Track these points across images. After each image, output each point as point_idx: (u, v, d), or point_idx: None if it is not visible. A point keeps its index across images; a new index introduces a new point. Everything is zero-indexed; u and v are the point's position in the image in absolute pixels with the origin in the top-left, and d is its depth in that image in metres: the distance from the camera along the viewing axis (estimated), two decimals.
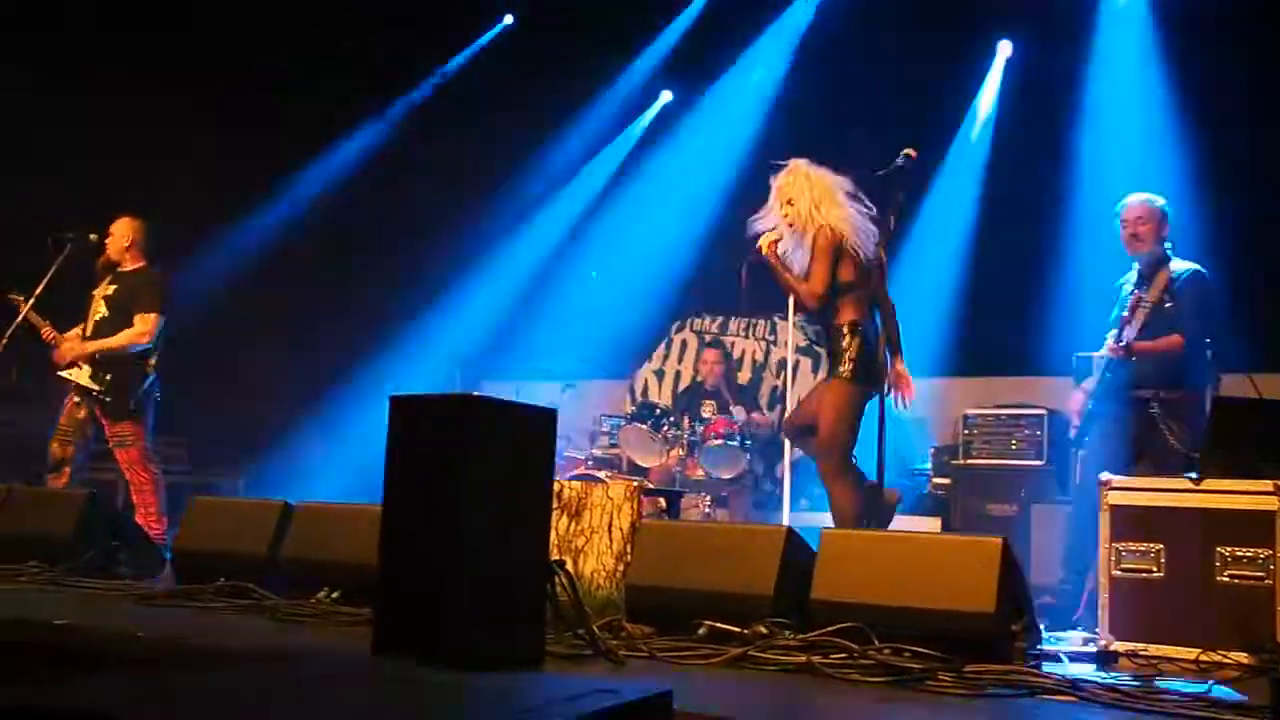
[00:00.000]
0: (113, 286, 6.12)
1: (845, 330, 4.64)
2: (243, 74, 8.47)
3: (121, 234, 6.16)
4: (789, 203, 4.73)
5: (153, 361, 6.04)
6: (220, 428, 8.52)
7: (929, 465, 6.76)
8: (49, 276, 6.06)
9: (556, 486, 3.71)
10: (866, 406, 4.54)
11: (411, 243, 9.07)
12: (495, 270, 9.01)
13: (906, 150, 4.43)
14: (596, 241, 8.62)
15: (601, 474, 6.32)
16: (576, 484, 3.97)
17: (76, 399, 5.99)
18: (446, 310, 8.90)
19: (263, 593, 3.86)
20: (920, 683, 2.81)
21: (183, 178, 8.04)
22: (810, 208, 4.69)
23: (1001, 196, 7.26)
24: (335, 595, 3.71)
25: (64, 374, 6.01)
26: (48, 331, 6.00)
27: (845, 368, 4.59)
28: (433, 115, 9.34)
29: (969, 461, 6.32)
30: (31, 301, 5.97)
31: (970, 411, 6.43)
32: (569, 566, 3.40)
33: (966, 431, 6.38)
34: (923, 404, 6.59)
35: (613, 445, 7.42)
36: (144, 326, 5.96)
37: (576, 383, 7.90)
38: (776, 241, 4.77)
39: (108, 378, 5.92)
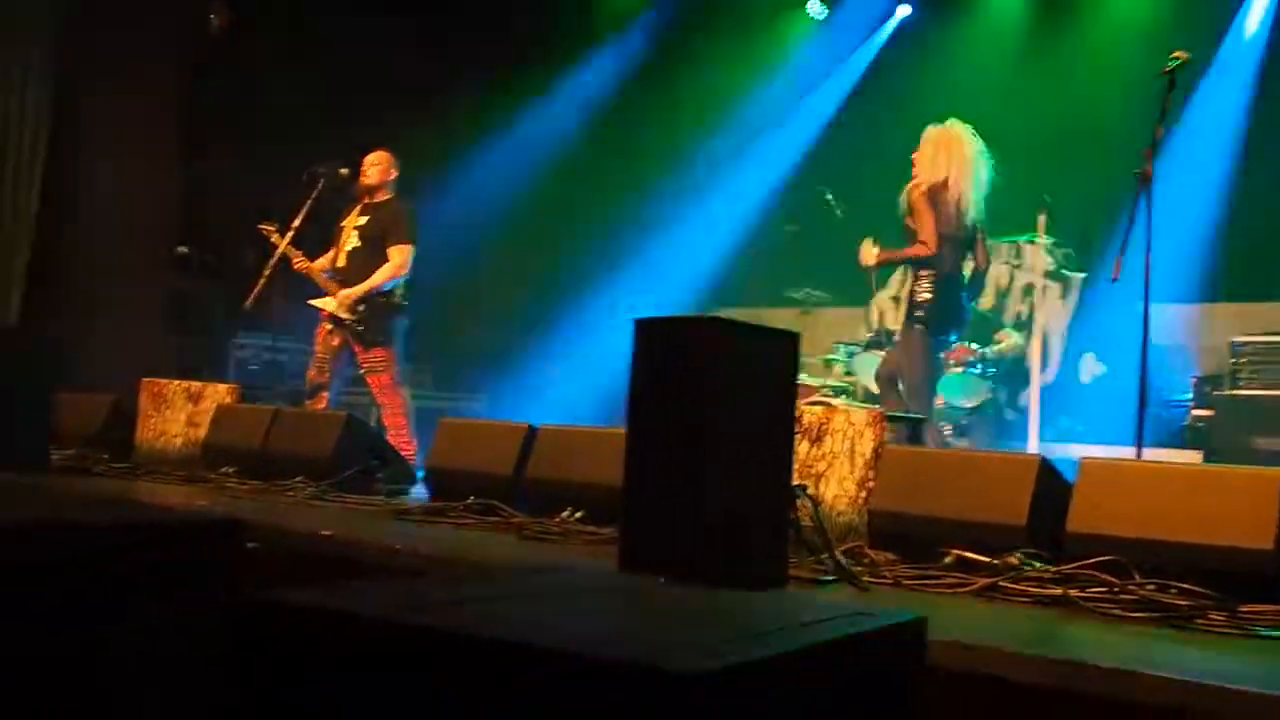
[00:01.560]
0: (364, 218, 6.35)
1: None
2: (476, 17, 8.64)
3: (375, 166, 6.38)
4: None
5: (402, 291, 6.27)
6: (461, 352, 8.81)
7: (1189, 395, 6.39)
8: (304, 210, 6.35)
9: (797, 411, 3.66)
10: None
11: (643, 172, 9.10)
12: (728, 196, 8.95)
13: (1176, 54, 4.15)
14: (832, 164, 8.43)
15: (836, 401, 6.23)
16: (817, 409, 3.91)
17: (329, 327, 6.27)
18: (679, 238, 8.90)
19: (509, 510, 3.97)
20: (1188, 621, 2.65)
21: (421, 116, 8.28)
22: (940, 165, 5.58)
23: (1277, 102, 6.72)
24: (579, 515, 3.78)
25: (316, 303, 6.30)
26: (300, 262, 6.29)
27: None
28: (661, 41, 9.31)
29: (1236, 391, 5.94)
30: (289, 235, 6.27)
31: (1238, 338, 6.03)
32: (810, 491, 3.36)
33: (1234, 359, 5.99)
34: (1182, 331, 6.22)
35: (848, 373, 7.30)
36: (400, 258, 6.19)
37: (812, 310, 7.80)
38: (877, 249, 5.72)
39: (360, 308, 6.17)
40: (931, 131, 5.68)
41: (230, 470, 4.93)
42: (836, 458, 3.72)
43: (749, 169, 8.99)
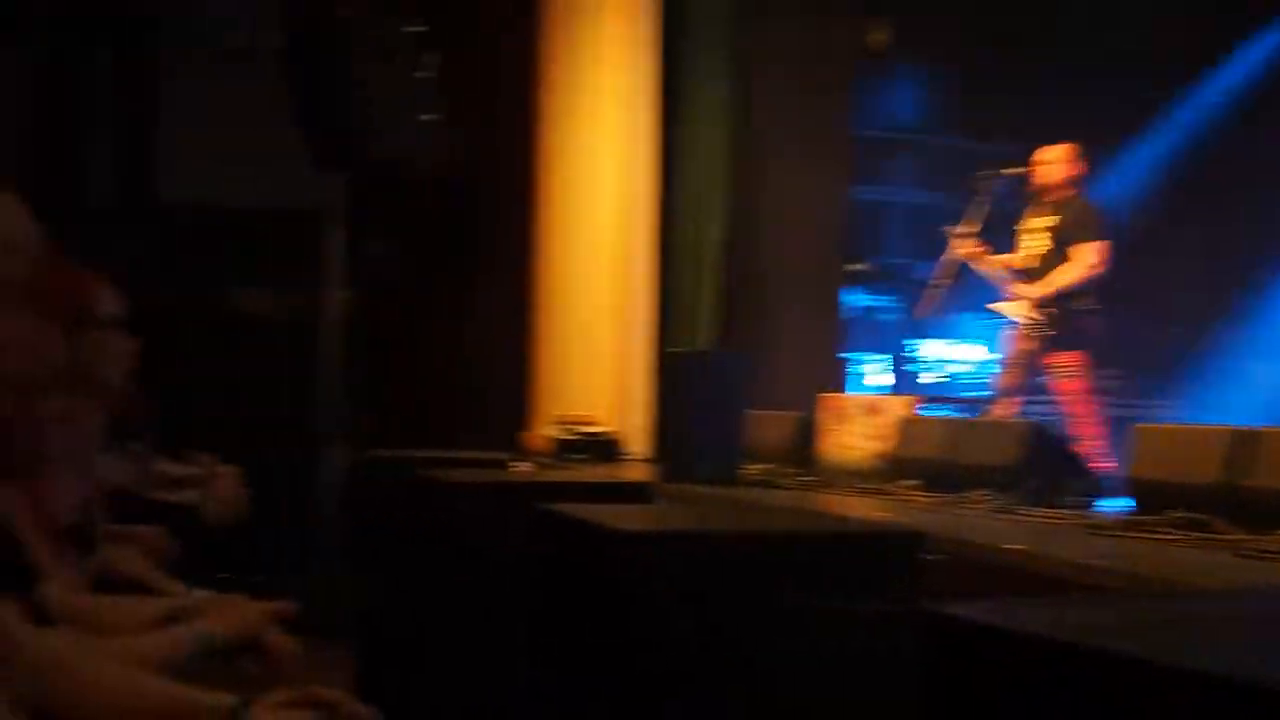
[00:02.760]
0: (1048, 217, 6.08)
1: None
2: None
3: (1053, 163, 6.11)
4: None
5: (1093, 291, 5.93)
6: (1153, 353, 8.25)
7: None
8: (978, 213, 6.22)
9: None
10: None
11: None
12: None
13: None
14: None
15: None
16: None
17: (1016, 332, 6.07)
18: None
19: (1222, 525, 3.51)
20: None
21: (1075, 109, 7.91)
22: None
23: None
24: None
25: (998, 307, 6.13)
26: (983, 263, 6.14)
27: None
28: None
29: None
30: (967, 240, 6.16)
31: None
32: None
33: None
34: None
35: None
36: (1092, 257, 5.86)
37: None
38: None
39: (1050, 310, 5.91)
40: None
41: (911, 482, 4.89)
42: None
43: None
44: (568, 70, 7.17)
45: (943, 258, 6.23)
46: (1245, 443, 3.77)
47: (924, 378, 8.31)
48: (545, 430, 6.83)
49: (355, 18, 5.75)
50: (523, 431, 7.01)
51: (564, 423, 6.67)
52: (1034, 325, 5.90)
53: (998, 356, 6.22)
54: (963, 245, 6.13)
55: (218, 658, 2.06)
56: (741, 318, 7.58)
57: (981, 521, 3.96)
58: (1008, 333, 6.11)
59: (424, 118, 6.01)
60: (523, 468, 5.03)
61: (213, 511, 3.83)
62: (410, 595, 3.57)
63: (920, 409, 5.68)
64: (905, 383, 8.38)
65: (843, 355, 8.28)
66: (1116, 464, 5.37)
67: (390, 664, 3.88)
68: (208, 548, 4.06)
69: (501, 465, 4.51)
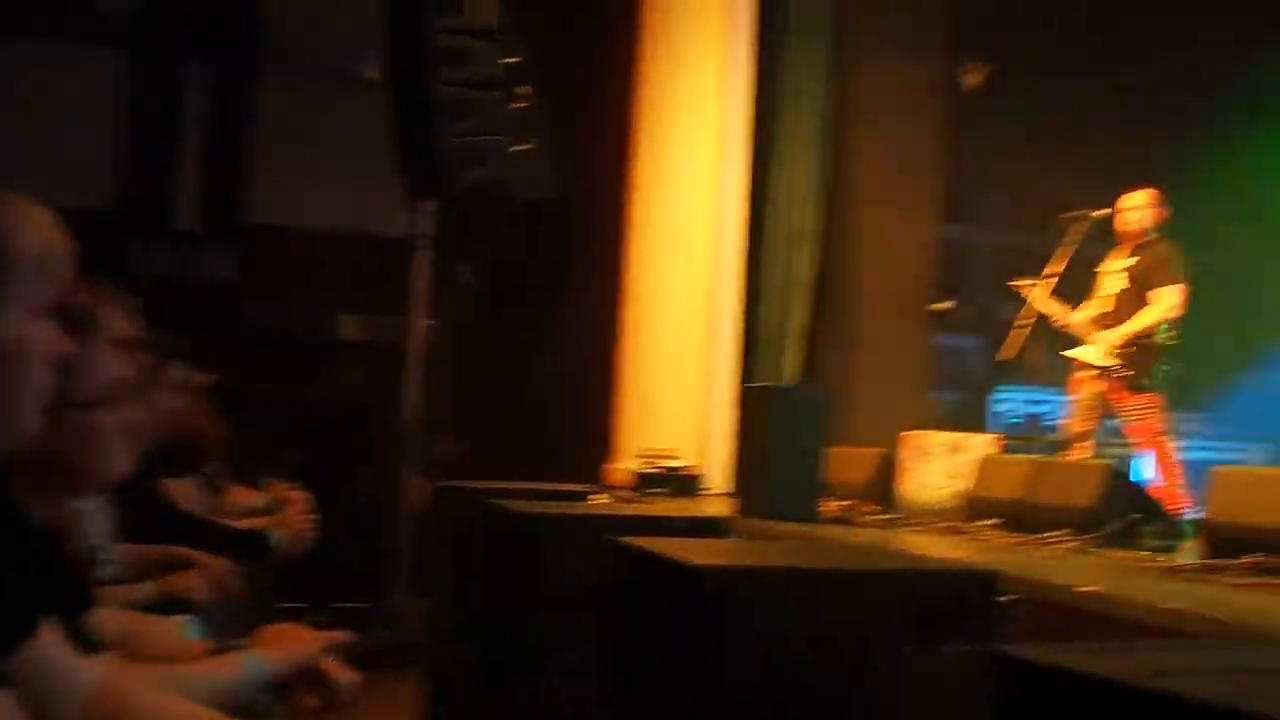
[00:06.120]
0: (1129, 259, 6.09)
1: None
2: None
3: (1136, 207, 6.11)
4: None
5: (1168, 333, 5.91)
6: (1234, 396, 8.13)
7: None
8: (1061, 258, 6.23)
9: None
10: None
11: None
12: None
13: None
14: None
15: None
16: None
17: (1089, 374, 6.06)
18: None
19: None
20: None
21: (1162, 147, 7.85)
22: None
23: None
24: None
25: (1072, 353, 6.13)
26: (1056, 318, 6.16)
27: None
28: None
29: None
30: (1044, 285, 6.17)
31: None
32: None
33: None
34: None
35: None
36: (1171, 300, 5.86)
37: None
38: None
39: (1124, 352, 5.90)
40: None
41: (991, 521, 4.91)
42: None
43: None
44: (661, 107, 7.27)
45: (1025, 301, 6.23)
46: None
47: (1007, 418, 8.27)
48: (627, 463, 6.89)
49: (452, 47, 5.88)
50: (604, 464, 7.07)
51: (645, 456, 6.73)
52: (1109, 368, 5.89)
53: (1072, 399, 6.20)
54: (1032, 293, 6.15)
55: (274, 689, 1.97)
56: (826, 353, 7.62)
57: (1058, 562, 3.97)
58: (1080, 375, 6.11)
59: (516, 148, 6.12)
60: (600, 500, 5.08)
61: (281, 540, 3.79)
62: (483, 628, 3.58)
63: (1003, 448, 5.68)
64: (986, 423, 8.34)
65: (931, 393, 8.26)
66: (1192, 506, 5.34)
67: (461, 696, 3.91)
68: (277, 575, 4.10)
69: (581, 498, 4.56)
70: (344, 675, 2.02)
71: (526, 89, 6.22)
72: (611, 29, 7.49)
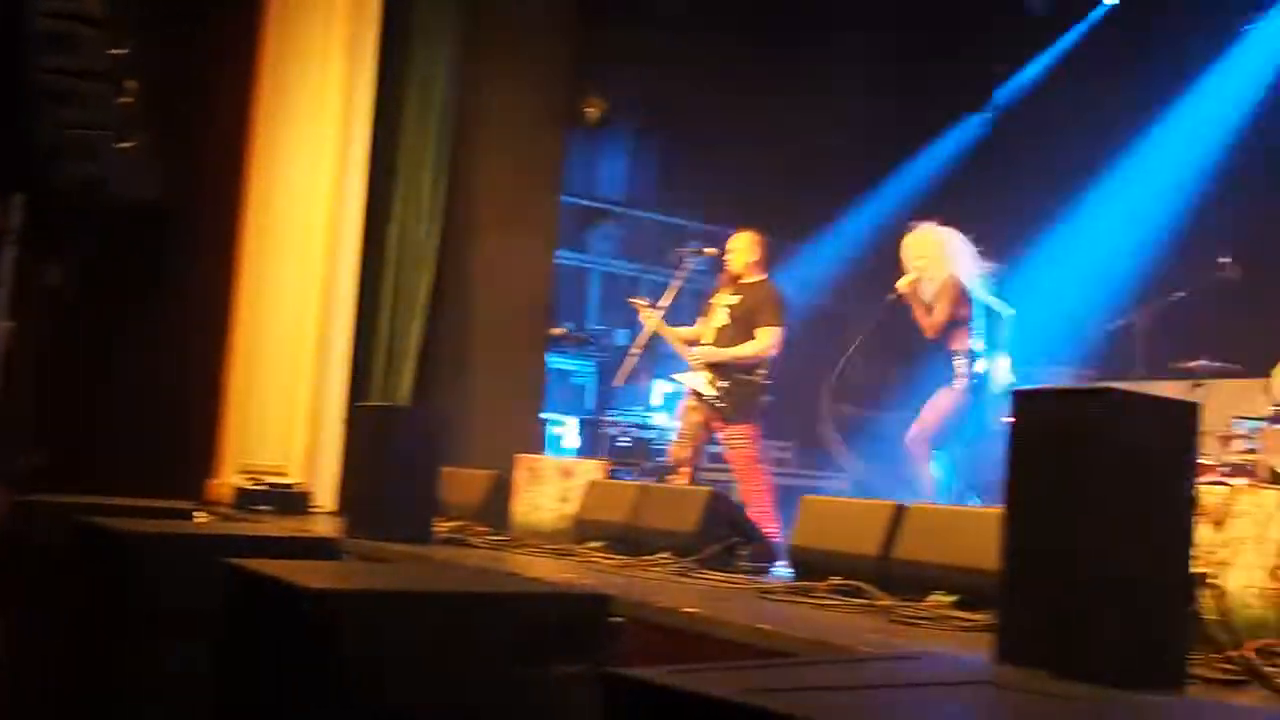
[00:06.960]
0: (734, 297, 6.44)
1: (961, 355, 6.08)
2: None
3: (742, 249, 6.48)
4: (919, 257, 6.17)
5: (765, 370, 6.30)
6: (816, 430, 8.74)
7: None
8: (673, 289, 6.53)
9: (1198, 492, 3.33)
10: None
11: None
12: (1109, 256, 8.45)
13: None
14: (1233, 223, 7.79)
15: (1238, 481, 5.66)
16: (1219, 489, 3.55)
17: (692, 403, 6.37)
18: (1058, 307, 8.46)
19: (876, 593, 3.81)
20: None
21: (775, 190, 8.38)
22: (936, 262, 6.13)
23: None
24: (952, 600, 3.58)
25: (680, 378, 6.43)
26: (664, 330, 6.45)
27: (960, 383, 6.06)
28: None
29: None
30: (658, 312, 6.44)
31: None
32: (1214, 581, 3.03)
33: None
34: None
35: (1249, 450, 6.64)
36: (768, 340, 6.24)
37: (1205, 381, 7.18)
38: (915, 282, 6.16)
39: (724, 385, 6.23)
40: None
41: (599, 544, 5.04)
42: (1243, 544, 3.35)
43: (1128, 227, 8.47)
44: (276, 113, 7.05)
45: (640, 327, 6.50)
46: (900, 516, 4.11)
47: (616, 442, 8.54)
48: (229, 478, 6.60)
49: (56, 31, 5.43)
50: (205, 479, 6.73)
51: (250, 472, 6.47)
52: (709, 397, 6.23)
53: (676, 426, 6.53)
54: (649, 316, 6.42)
55: None
56: (441, 374, 7.59)
57: (661, 585, 4.12)
58: (684, 404, 6.43)
59: (120, 145, 5.73)
60: (201, 518, 4.84)
61: None
62: (71, 653, 3.34)
63: (611, 473, 5.85)
64: (597, 446, 8.59)
65: (541, 416, 8.41)
66: (781, 531, 5.71)
67: None
68: None
69: (186, 515, 4.33)
70: None
71: (134, 83, 5.84)
72: (231, 27, 7.18)
